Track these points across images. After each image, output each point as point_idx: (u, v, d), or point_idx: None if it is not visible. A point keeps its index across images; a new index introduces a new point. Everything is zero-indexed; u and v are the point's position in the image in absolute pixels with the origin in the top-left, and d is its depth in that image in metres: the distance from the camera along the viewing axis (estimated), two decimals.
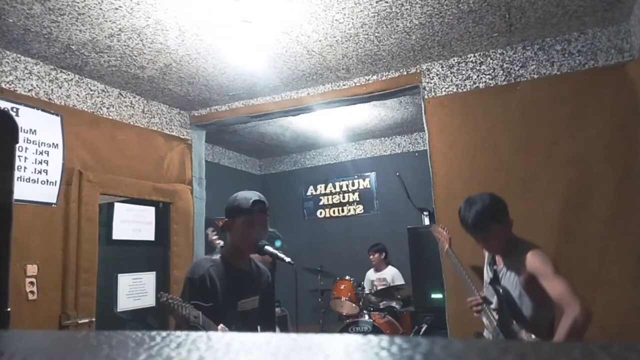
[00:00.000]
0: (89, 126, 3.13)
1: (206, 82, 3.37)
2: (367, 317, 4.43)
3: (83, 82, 3.15)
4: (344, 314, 4.76)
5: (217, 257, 1.96)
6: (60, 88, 3.00)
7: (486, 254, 2.18)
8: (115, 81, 3.26)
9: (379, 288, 4.87)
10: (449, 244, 2.53)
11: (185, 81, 3.33)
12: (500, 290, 2.04)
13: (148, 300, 3.40)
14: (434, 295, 4.15)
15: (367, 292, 4.85)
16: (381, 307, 4.77)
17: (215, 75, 3.26)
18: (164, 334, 0.35)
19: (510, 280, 1.99)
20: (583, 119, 2.82)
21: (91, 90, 3.20)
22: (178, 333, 0.35)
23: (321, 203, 6.28)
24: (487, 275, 2.15)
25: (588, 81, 2.83)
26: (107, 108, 3.30)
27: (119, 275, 3.27)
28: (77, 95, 3.11)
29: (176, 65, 3.04)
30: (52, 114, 2.89)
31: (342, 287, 4.83)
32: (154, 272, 3.50)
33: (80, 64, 2.96)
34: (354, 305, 4.69)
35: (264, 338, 0.32)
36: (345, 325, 4.44)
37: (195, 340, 0.32)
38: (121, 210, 3.37)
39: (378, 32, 2.77)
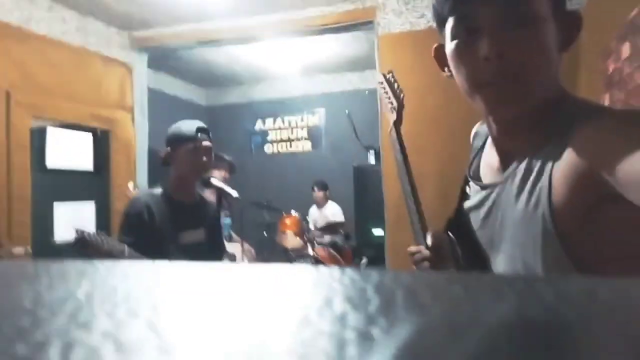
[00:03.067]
0: (16, 41, 2.84)
1: None
2: (310, 251, 4.58)
3: None
4: (289, 247, 4.90)
5: (158, 190, 1.91)
6: None
7: (476, 130, 1.08)
8: None
9: (320, 224, 5.01)
10: (395, 120, 1.26)
11: None
12: (482, 232, 0.86)
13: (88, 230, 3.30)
14: (375, 232, 4.34)
15: (311, 227, 4.98)
16: (325, 241, 4.94)
17: None
18: (107, 263, 0.34)
19: (523, 202, 0.72)
20: None
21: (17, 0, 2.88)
22: (124, 263, 0.34)
23: (269, 138, 6.21)
24: (470, 189, 0.93)
25: None
26: (37, 22, 3.00)
27: (55, 203, 3.13)
28: (1, 5, 2.79)
29: None
30: None
31: (287, 221, 4.92)
32: (93, 202, 3.38)
33: None
34: (298, 239, 4.82)
35: (214, 267, 0.32)
36: (290, 258, 4.57)
37: (142, 269, 0.32)
38: (55, 136, 3.17)
39: None
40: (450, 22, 0.75)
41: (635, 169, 0.55)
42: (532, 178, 0.72)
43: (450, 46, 0.76)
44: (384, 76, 1.39)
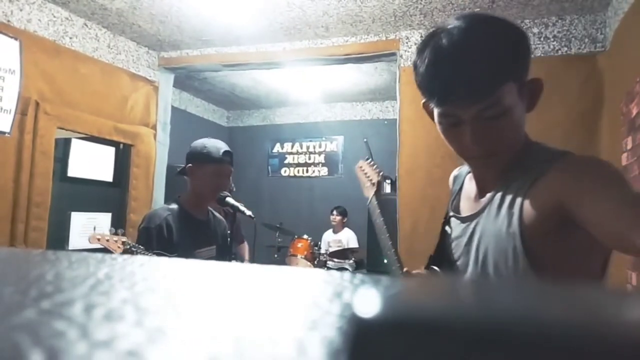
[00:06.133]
0: (49, 55, 2.95)
1: (179, 23, 3.23)
2: None
3: (46, 7, 2.95)
4: None
5: (174, 206, 1.93)
6: (20, 11, 2.80)
7: (455, 174, 1.20)
8: (81, 10, 3.07)
9: (333, 249, 4.99)
10: (376, 191, 1.49)
11: (157, 19, 3.17)
12: (467, 257, 0.95)
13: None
14: (386, 260, 4.29)
15: (322, 252, 4.95)
16: (334, 267, 4.89)
17: (189, 17, 3.12)
18: (125, 256, 0.35)
19: (498, 224, 0.87)
20: (548, 103, 2.88)
21: (54, 16, 3.01)
22: (140, 257, 0.35)
23: (286, 161, 6.26)
24: (451, 227, 1.04)
25: (558, 67, 2.89)
26: (70, 38, 3.12)
27: (73, 213, 3.19)
28: (39, 20, 2.91)
29: None
30: (11, 37, 2.71)
31: (299, 245, 4.90)
32: (110, 214, 3.43)
33: None
34: (308, 263, 4.79)
35: (229, 267, 0.33)
36: None
37: (158, 262, 0.32)
38: (79, 147, 3.25)
39: None
40: (436, 111, 0.91)
41: (590, 209, 0.74)
42: (506, 204, 0.88)
43: (438, 125, 0.93)
44: (363, 163, 1.63)
